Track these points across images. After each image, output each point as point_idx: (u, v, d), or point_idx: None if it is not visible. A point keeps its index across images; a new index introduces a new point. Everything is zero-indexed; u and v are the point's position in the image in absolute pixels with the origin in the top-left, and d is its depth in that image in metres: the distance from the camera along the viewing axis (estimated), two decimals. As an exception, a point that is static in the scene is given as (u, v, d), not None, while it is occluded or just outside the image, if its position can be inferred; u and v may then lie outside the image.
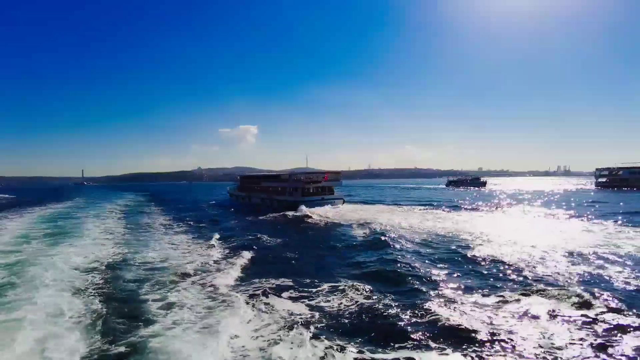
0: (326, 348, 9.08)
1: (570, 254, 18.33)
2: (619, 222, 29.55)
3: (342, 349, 9.02)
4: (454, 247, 20.31)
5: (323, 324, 10.47)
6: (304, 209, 39.41)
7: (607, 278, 14.30)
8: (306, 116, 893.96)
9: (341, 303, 12.05)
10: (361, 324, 10.47)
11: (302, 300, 12.45)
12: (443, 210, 41.78)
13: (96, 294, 13.05)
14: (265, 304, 12.11)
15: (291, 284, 14.29)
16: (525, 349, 8.89)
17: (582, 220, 31.55)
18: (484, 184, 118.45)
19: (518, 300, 11.89)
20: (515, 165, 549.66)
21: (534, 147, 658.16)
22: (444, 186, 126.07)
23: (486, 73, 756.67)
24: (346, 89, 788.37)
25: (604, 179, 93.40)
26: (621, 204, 46.49)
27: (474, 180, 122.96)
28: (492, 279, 14.47)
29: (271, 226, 31.02)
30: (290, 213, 38.29)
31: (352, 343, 9.37)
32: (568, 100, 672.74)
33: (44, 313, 11.04)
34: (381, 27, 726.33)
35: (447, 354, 8.78)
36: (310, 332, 9.87)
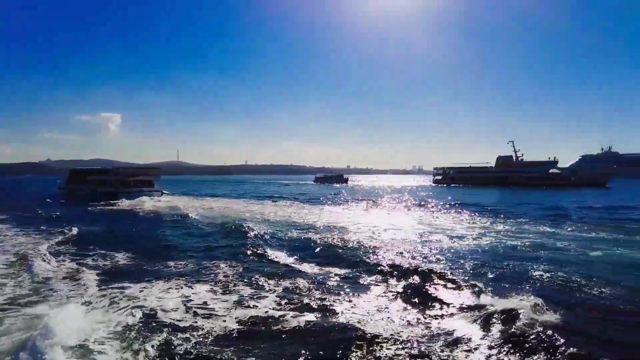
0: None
1: (395, 236, 20.14)
2: (435, 210, 34.26)
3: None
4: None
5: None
6: (125, 201, 44.69)
7: (419, 250, 15.32)
8: (179, 108, 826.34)
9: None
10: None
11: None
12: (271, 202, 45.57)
13: None
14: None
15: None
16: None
17: (410, 208, 36.93)
18: (346, 180, 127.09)
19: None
20: (379, 164, 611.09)
21: (396, 148, 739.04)
22: (312, 182, 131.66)
23: (359, 75, 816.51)
24: (223, 82, 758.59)
25: (439, 177, 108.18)
26: (449, 197, 52.87)
27: (337, 177, 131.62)
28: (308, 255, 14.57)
29: (91, 215, 32.72)
30: (116, 202, 42.94)
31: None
32: (426, 104, 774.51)
33: None
34: (263, 23, 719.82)
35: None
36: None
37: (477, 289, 10.51)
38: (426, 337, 7.85)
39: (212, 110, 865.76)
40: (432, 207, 37.95)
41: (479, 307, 9.15)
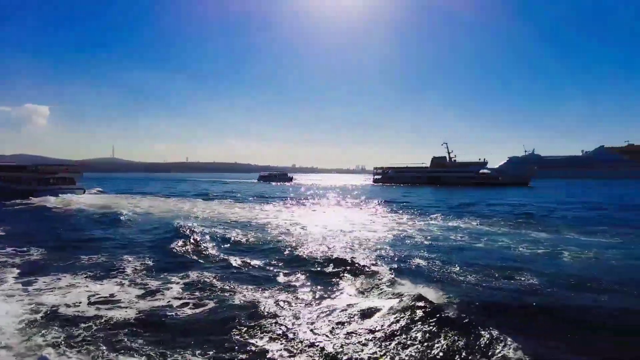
0: None
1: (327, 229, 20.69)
2: (363, 207, 35.35)
3: None
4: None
5: None
6: (41, 198, 42.83)
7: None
8: (114, 102, 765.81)
9: None
10: None
11: None
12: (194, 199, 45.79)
13: None
14: None
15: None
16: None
17: (340, 205, 37.72)
18: (290, 179, 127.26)
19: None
20: (325, 163, 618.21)
21: (341, 148, 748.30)
22: (256, 181, 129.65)
23: (307, 74, 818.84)
24: (162, 75, 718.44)
25: (379, 177, 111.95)
26: (382, 195, 54.94)
27: (281, 176, 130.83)
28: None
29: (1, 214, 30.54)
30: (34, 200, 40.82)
31: None
32: (370, 105, 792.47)
33: None
34: (204, 14, 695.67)
35: None
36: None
37: (381, 275, 11.34)
38: (323, 314, 8.56)
39: (151, 105, 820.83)
40: (361, 203, 39.75)
41: (386, 292, 9.95)
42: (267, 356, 6.81)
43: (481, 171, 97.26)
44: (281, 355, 6.81)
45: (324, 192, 65.44)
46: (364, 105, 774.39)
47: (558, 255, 14.46)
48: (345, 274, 11.70)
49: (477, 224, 23.19)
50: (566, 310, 8.66)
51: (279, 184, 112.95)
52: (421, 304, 8.27)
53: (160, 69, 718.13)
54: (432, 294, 9.06)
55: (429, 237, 18.59)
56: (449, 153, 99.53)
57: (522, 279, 11.22)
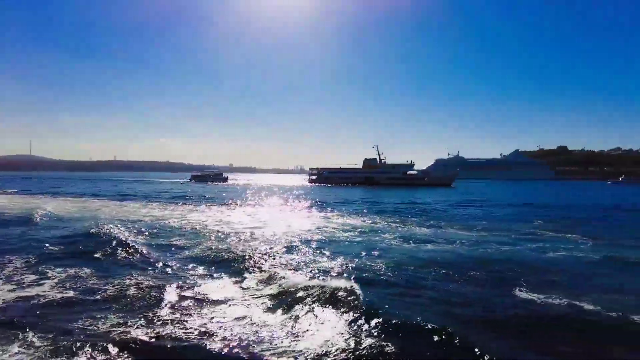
0: None
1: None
2: (284, 205, 35.51)
3: None
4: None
5: None
6: None
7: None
8: (32, 94, 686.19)
9: None
10: None
11: None
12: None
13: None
14: None
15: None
16: None
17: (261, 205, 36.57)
18: (225, 179, 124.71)
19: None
20: (263, 162, 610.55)
21: (281, 147, 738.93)
22: (188, 180, 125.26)
23: (243, 71, 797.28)
24: (89, 68, 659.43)
25: (314, 177, 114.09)
26: (312, 194, 55.91)
27: (216, 176, 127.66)
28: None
29: None
30: None
31: None
32: (309, 106, 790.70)
33: None
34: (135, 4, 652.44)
35: None
36: None
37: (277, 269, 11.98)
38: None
39: (75, 100, 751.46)
40: (288, 202, 40.47)
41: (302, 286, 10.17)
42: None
43: (409, 172, 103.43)
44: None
45: (257, 191, 65.35)
46: (302, 105, 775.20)
47: (420, 247, 16.22)
48: (248, 270, 12.14)
49: (370, 222, 24.74)
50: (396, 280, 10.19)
51: (213, 183, 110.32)
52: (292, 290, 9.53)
53: (85, 63, 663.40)
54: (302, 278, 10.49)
55: (357, 234, 19.67)
56: (379, 155, 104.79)
57: (372, 264, 12.75)
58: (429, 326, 7.30)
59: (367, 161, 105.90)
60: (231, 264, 12.77)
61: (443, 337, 6.94)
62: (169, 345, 6.94)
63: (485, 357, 6.30)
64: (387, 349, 6.59)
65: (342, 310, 8.30)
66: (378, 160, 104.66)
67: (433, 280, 11.17)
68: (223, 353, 6.73)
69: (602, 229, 23.17)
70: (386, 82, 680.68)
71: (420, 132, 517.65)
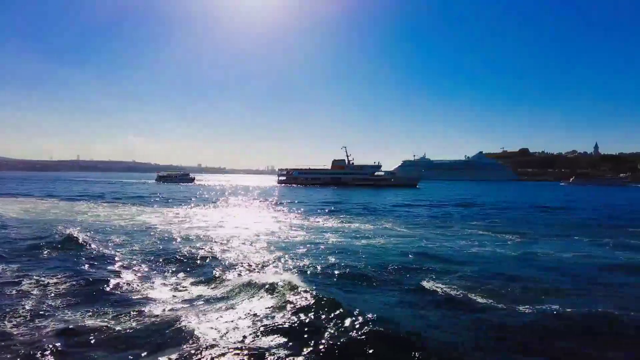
0: None
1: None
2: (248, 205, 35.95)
3: None
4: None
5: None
6: None
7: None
8: None
9: None
10: None
11: None
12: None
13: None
14: None
15: None
16: None
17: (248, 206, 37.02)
18: (192, 179, 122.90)
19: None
20: (234, 163, 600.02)
21: (251, 148, 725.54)
22: (153, 181, 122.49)
23: (213, 70, 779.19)
24: (49, 62, 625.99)
25: (283, 178, 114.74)
26: (279, 195, 56.63)
27: (183, 177, 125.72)
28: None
29: None
30: None
31: None
32: (281, 106, 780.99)
33: None
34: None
35: None
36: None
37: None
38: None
39: (33, 96, 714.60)
40: (253, 202, 41.25)
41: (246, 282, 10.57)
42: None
43: (376, 173, 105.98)
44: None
45: (221, 192, 65.23)
46: (273, 106, 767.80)
47: (354, 242, 17.41)
48: (215, 265, 12.76)
49: (321, 221, 25.90)
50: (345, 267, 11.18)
51: (179, 184, 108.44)
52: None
53: (46, 57, 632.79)
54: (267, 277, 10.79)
55: (312, 233, 20.54)
56: (347, 156, 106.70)
57: (310, 259, 13.57)
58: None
59: (335, 162, 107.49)
60: (166, 265, 13.01)
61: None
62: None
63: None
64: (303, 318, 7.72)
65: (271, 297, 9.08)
66: (346, 162, 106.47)
67: (358, 269, 12.47)
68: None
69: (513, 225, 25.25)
70: (356, 83, 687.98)
71: (388, 134, 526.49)
